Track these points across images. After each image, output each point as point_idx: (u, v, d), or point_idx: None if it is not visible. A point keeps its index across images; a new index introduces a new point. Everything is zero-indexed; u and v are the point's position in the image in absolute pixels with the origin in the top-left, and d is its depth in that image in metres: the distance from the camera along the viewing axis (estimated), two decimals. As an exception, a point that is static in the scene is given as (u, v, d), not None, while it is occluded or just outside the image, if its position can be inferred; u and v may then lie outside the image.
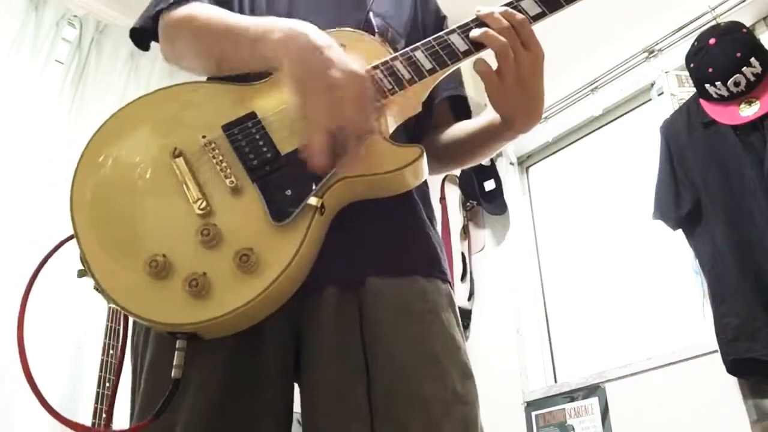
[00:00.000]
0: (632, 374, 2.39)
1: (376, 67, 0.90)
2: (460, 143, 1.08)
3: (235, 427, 0.81)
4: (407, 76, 0.90)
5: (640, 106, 2.88)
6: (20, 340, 0.81)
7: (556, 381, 2.78)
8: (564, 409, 2.55)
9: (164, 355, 0.79)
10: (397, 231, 0.93)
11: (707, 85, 2.15)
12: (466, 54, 0.92)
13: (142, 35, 1.03)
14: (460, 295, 3.07)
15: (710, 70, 2.13)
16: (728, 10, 2.39)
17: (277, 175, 0.84)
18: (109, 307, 2.22)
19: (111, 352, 2.21)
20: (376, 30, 1.04)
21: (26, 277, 0.85)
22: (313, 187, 0.82)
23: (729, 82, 2.08)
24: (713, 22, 2.36)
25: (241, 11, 1.02)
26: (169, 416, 0.78)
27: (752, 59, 2.07)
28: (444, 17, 1.19)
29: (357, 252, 0.89)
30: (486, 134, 1.05)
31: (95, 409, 2.12)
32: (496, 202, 3.11)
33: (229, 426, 0.81)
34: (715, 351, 2.02)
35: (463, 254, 3.18)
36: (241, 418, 0.81)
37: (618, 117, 2.97)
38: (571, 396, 2.55)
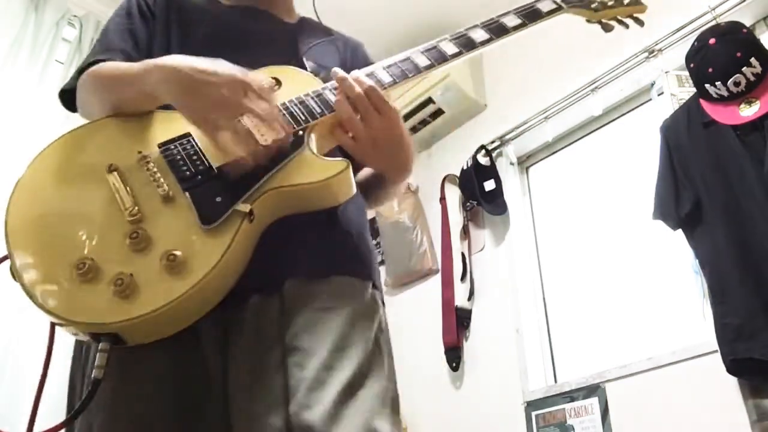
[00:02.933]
0: (632, 374, 2.38)
1: (307, 95, 0.97)
2: (360, 185, 1.11)
3: None
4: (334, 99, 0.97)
5: (640, 106, 2.87)
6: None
7: (556, 381, 2.77)
8: (564, 409, 2.55)
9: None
10: (315, 235, 0.96)
11: (707, 85, 2.14)
12: (390, 85, 1.01)
13: (70, 97, 1.09)
14: (460, 295, 3.07)
15: (710, 70, 2.13)
16: (728, 10, 2.39)
17: (209, 185, 0.87)
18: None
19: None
20: (309, 71, 1.10)
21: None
22: (243, 195, 0.86)
23: (729, 82, 2.08)
24: (713, 22, 2.35)
25: None
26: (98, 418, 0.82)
27: (752, 59, 2.07)
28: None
29: (277, 259, 0.92)
30: (373, 181, 1.12)
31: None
32: (496, 202, 3.10)
33: None
34: (715, 351, 2.02)
35: (463, 254, 3.17)
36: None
37: (618, 117, 2.97)
38: (571, 396, 2.55)
